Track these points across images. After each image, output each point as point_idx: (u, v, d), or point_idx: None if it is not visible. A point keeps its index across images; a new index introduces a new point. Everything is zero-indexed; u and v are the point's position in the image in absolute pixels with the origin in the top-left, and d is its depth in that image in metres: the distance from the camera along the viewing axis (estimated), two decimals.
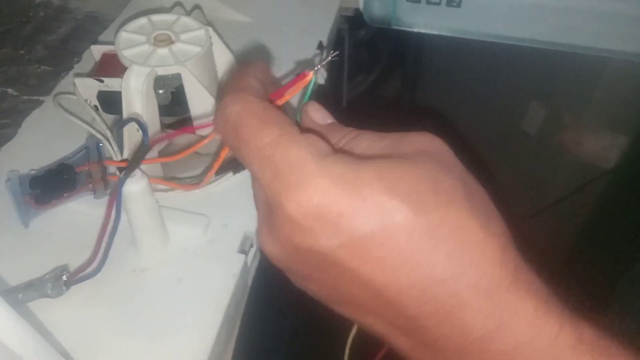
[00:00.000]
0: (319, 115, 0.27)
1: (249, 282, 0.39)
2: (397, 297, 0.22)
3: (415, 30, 0.55)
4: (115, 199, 0.32)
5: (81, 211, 0.38)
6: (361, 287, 0.23)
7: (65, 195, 0.37)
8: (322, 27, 0.52)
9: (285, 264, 0.25)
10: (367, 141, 0.25)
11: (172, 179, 0.40)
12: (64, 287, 0.32)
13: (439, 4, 0.52)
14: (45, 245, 0.36)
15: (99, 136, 0.39)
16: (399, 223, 0.21)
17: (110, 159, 0.38)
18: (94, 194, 0.37)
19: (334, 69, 0.68)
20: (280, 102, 0.26)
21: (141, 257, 0.36)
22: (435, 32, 0.55)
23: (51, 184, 0.36)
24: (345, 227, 0.22)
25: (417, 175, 0.22)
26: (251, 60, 0.29)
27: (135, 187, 0.32)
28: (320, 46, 0.50)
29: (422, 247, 0.21)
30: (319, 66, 0.27)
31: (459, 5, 0.52)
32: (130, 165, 0.32)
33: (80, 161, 0.37)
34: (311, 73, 0.26)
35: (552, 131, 0.86)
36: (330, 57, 0.27)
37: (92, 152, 0.38)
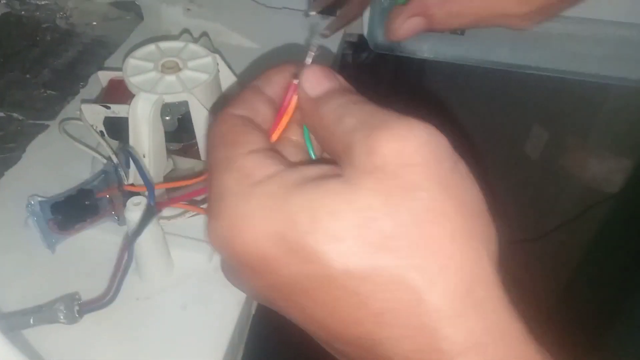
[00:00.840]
0: (310, 85, 0.22)
1: (253, 310, 0.39)
2: (333, 341, 0.20)
3: (419, 57, 0.55)
4: (128, 250, 0.33)
5: (104, 238, 0.37)
6: (299, 320, 0.21)
7: (87, 220, 0.37)
8: (327, 53, 0.53)
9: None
10: (343, 127, 0.20)
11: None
12: (77, 315, 0.32)
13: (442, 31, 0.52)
14: (68, 270, 0.36)
15: (104, 161, 0.39)
16: (314, 274, 0.18)
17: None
18: (118, 220, 0.37)
19: None
20: (273, 137, 0.23)
21: (145, 285, 0.35)
22: (439, 59, 0.55)
23: (73, 210, 0.36)
24: (261, 273, 0.20)
25: (347, 214, 0.18)
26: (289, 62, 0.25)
27: (140, 215, 0.32)
28: None
29: (346, 303, 0.18)
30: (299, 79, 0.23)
31: (462, 32, 0.52)
32: (137, 230, 0.32)
33: (100, 186, 0.37)
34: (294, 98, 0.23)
35: (554, 155, 0.87)
36: (311, 53, 0.24)
37: (111, 176, 0.38)
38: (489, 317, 0.18)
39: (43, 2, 0.57)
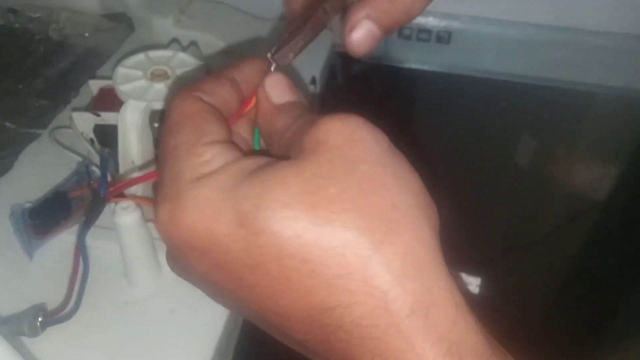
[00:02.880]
0: (275, 93, 0.25)
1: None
2: (285, 321, 0.20)
3: (406, 66, 0.57)
4: (80, 251, 0.32)
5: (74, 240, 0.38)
6: (249, 307, 0.21)
7: (62, 222, 0.37)
8: (315, 63, 0.54)
9: (185, 278, 0.24)
10: (292, 131, 0.22)
11: None
12: (39, 329, 0.32)
13: (428, 40, 0.54)
14: (43, 276, 0.36)
15: (94, 168, 0.40)
16: (265, 245, 0.19)
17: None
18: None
19: (328, 103, 0.69)
20: (231, 121, 0.25)
21: (134, 290, 0.36)
22: (425, 68, 0.57)
23: (49, 213, 0.37)
24: (210, 253, 0.20)
25: (294, 182, 0.19)
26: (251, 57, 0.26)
27: (128, 219, 0.32)
28: (313, 81, 0.52)
29: (296, 273, 0.19)
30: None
31: (448, 41, 0.54)
32: (87, 221, 0.32)
33: (74, 187, 0.37)
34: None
35: (544, 163, 0.87)
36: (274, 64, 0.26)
37: (83, 177, 0.38)
38: (432, 280, 0.19)
39: (37, 15, 0.58)
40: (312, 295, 0.19)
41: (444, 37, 0.54)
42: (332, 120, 0.20)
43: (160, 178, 0.22)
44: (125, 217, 0.32)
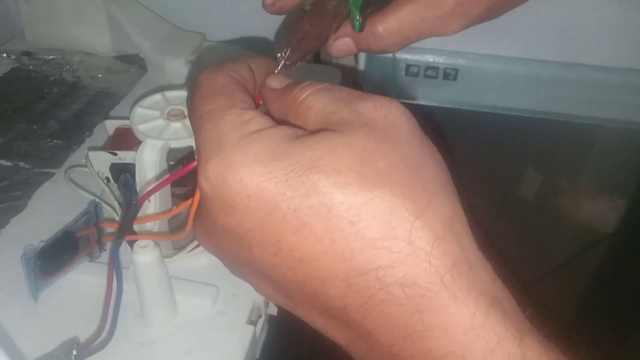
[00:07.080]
0: (276, 82, 0.26)
1: (258, 354, 0.38)
2: (322, 287, 0.20)
3: (414, 102, 0.57)
4: (114, 265, 0.32)
5: (84, 280, 0.37)
6: (283, 275, 0.21)
7: (67, 262, 0.37)
8: None
9: (213, 249, 0.25)
10: (324, 99, 0.23)
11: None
12: None
13: (436, 77, 0.55)
14: (53, 318, 0.36)
15: (108, 208, 0.40)
16: (314, 206, 0.19)
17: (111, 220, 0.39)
18: (89, 257, 0.37)
19: None
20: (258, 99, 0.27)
21: (149, 330, 0.35)
22: (433, 104, 0.58)
23: (57, 253, 0.36)
24: (255, 211, 0.20)
25: (345, 153, 0.20)
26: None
27: (146, 258, 0.32)
28: None
29: (342, 234, 0.19)
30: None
31: (455, 78, 0.55)
32: (122, 228, 0.32)
33: (82, 227, 0.37)
34: None
35: (549, 196, 0.88)
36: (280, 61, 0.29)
37: (92, 216, 0.38)
38: (469, 246, 0.21)
39: (50, 57, 0.59)
40: (355, 257, 0.19)
41: (450, 74, 0.55)
42: (376, 107, 0.22)
43: (200, 141, 0.22)
44: (144, 255, 0.32)
